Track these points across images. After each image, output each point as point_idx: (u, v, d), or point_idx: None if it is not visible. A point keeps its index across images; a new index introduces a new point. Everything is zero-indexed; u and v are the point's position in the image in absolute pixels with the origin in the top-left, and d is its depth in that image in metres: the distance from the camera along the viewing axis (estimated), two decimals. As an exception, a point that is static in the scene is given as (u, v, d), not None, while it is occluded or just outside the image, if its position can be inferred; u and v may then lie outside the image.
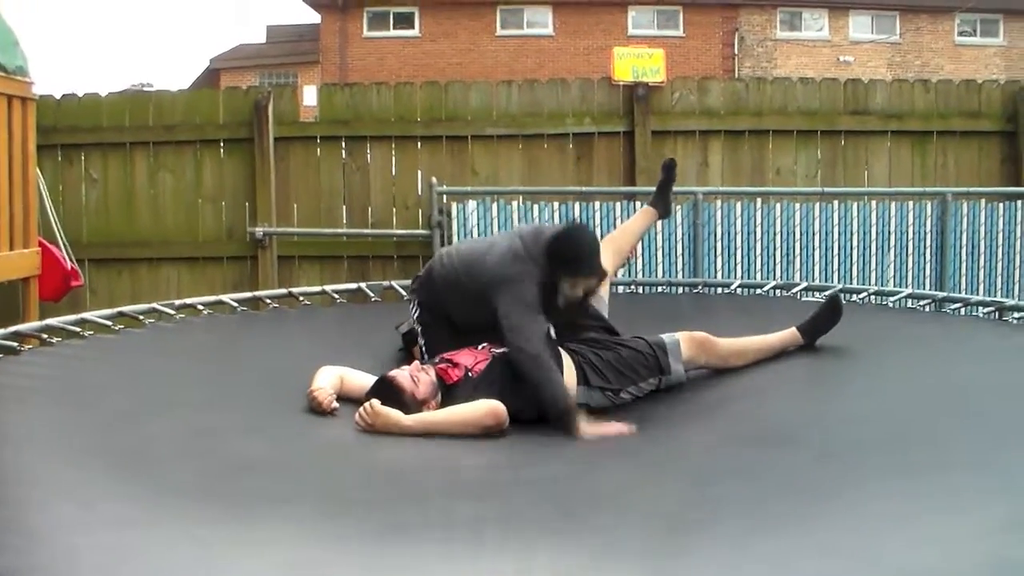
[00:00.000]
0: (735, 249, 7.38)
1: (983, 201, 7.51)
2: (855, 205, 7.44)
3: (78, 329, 4.58)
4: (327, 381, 3.86)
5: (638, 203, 7.31)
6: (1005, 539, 2.29)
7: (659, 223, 7.21)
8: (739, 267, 7.37)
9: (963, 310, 5.17)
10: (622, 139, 7.83)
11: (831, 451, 3.12)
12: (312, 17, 27.57)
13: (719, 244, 7.37)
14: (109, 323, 4.77)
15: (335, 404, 3.76)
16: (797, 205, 7.42)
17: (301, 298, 5.57)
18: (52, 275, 7.14)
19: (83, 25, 65.57)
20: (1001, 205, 7.49)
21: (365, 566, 2.34)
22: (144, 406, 3.56)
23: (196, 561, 2.30)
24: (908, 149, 7.94)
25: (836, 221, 7.39)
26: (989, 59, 25.16)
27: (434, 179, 7.44)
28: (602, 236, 7.07)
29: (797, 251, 7.37)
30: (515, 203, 7.41)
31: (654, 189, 7.41)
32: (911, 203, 7.44)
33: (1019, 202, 7.49)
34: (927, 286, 7.32)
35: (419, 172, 7.88)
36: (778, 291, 6.05)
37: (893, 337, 4.58)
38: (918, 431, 3.22)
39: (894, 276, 7.35)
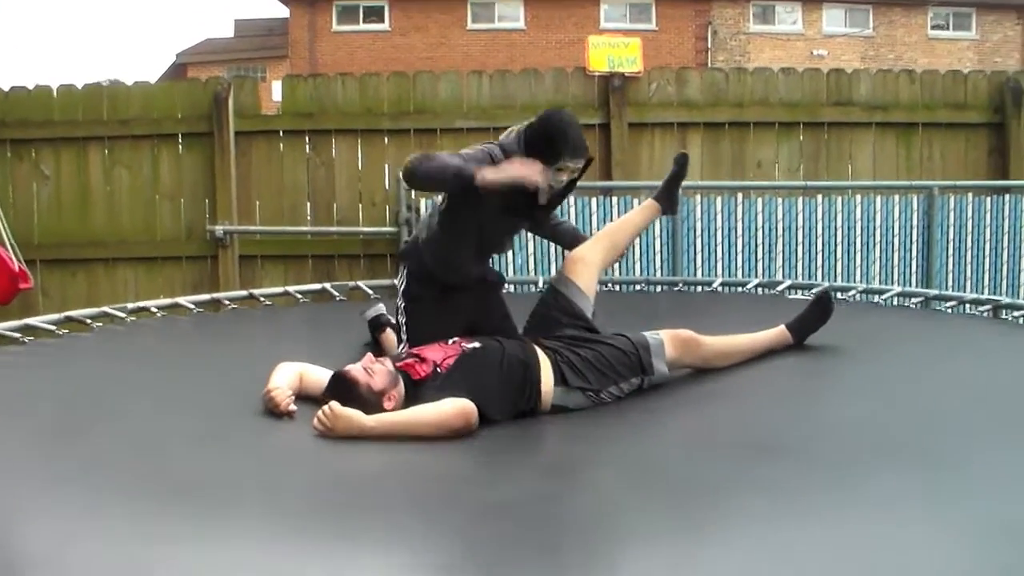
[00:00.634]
0: (715, 246, 7.12)
1: (970, 195, 7.29)
2: (839, 199, 7.19)
3: (18, 335, 4.33)
4: (285, 379, 3.56)
5: (614, 198, 7.06)
6: (1010, 548, 2.17)
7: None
8: (720, 264, 7.11)
9: (955, 308, 4.99)
10: (598, 132, 7.52)
11: (821, 458, 2.89)
12: (281, 11, 27.30)
13: (699, 241, 7.10)
14: (54, 328, 4.51)
15: (293, 406, 3.45)
16: (779, 200, 7.17)
17: (262, 299, 5.32)
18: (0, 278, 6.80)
19: (44, 18, 64.76)
20: (989, 199, 7.28)
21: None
22: (85, 416, 3.29)
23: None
24: (893, 141, 7.70)
25: (820, 216, 7.14)
26: (962, 52, 25.10)
27: (401, 174, 7.12)
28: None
29: (780, 248, 7.12)
30: (487, 199, 7.09)
31: (630, 184, 7.31)
32: (897, 197, 7.21)
33: (1007, 196, 7.29)
34: (914, 283, 7.09)
35: (386, 167, 7.57)
36: (761, 289, 5.81)
37: (885, 335, 4.38)
38: (913, 435, 3.01)
39: (880, 272, 7.12)
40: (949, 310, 5.04)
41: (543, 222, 4.27)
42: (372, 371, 3.44)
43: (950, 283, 7.14)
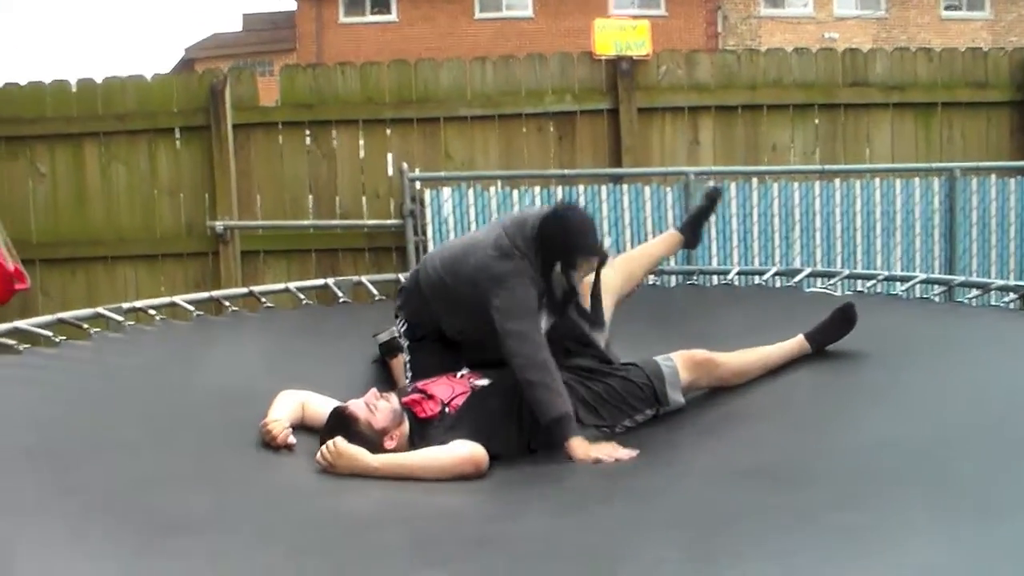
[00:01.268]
0: (731, 233, 6.89)
1: (993, 176, 7.03)
2: (857, 183, 6.94)
3: (12, 342, 4.15)
4: (285, 410, 3.42)
5: (625, 185, 6.84)
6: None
7: (647, 206, 6.79)
8: (735, 252, 6.88)
9: (980, 298, 4.75)
10: (606, 117, 7.31)
11: (841, 486, 2.68)
12: (288, 4, 27.16)
13: (713, 228, 6.85)
14: (49, 333, 4.33)
15: (291, 439, 3.30)
16: (796, 184, 6.93)
17: (263, 299, 5.13)
18: (-6, 278, 6.65)
19: (51, 15, 64.73)
20: (1013, 180, 7.02)
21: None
22: (68, 442, 3.08)
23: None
24: (912, 122, 7.44)
25: (838, 201, 6.90)
26: (976, 32, 24.71)
27: (405, 165, 6.93)
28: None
29: (797, 234, 6.89)
30: (493, 188, 6.90)
31: (641, 170, 7.09)
32: (917, 180, 6.96)
33: (1032, 176, 7.03)
34: (936, 268, 6.85)
35: (389, 158, 7.35)
36: (779, 278, 5.59)
37: (908, 337, 4.12)
38: (940, 458, 2.76)
39: (901, 258, 6.87)
40: (974, 300, 4.81)
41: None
42: (375, 408, 3.27)
43: (974, 268, 6.89)
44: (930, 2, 24.89)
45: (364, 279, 5.34)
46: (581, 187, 6.87)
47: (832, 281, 5.33)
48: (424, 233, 6.85)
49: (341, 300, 5.21)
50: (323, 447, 3.09)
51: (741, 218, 6.87)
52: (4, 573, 2.19)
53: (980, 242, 6.97)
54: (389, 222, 7.18)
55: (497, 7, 25.59)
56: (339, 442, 3.08)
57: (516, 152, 7.34)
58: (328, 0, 25.81)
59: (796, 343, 3.80)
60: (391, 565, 2.30)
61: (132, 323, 4.66)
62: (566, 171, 7.03)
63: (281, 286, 5.47)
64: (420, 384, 3.55)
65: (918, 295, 5.19)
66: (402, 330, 3.96)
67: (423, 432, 3.33)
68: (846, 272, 5.56)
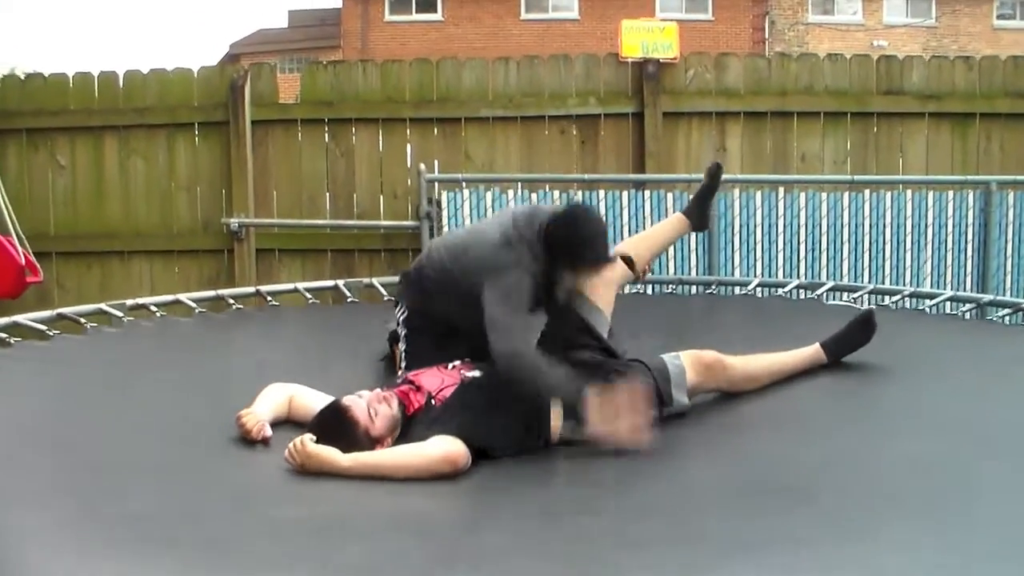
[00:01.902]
0: (755, 244, 6.68)
1: (1031, 190, 6.77)
2: (888, 195, 6.69)
3: (5, 336, 4.10)
4: (269, 403, 3.30)
5: (647, 192, 6.66)
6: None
7: (670, 213, 6.58)
8: (759, 264, 6.67)
9: (1012, 316, 4.54)
10: (631, 121, 7.13)
11: (854, 506, 2.51)
12: (335, 1, 27.18)
13: (737, 238, 6.67)
14: (44, 328, 4.26)
15: (267, 432, 3.16)
16: (824, 195, 6.70)
17: (269, 298, 5.04)
18: (6, 271, 6.60)
19: (99, 8, 65.49)
20: (1052, 195, 6.75)
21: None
22: (47, 432, 3.04)
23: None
24: (948, 133, 7.18)
25: (867, 213, 6.66)
26: (1030, 42, 24.25)
27: (422, 166, 6.80)
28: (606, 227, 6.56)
29: (824, 246, 6.66)
30: (512, 191, 6.76)
31: (665, 177, 6.90)
32: (951, 193, 6.70)
33: (1072, 192, 6.75)
34: (968, 285, 6.60)
35: (408, 158, 7.22)
36: (801, 291, 5.40)
37: (931, 352, 3.95)
38: (957, 479, 2.60)
39: (931, 274, 6.63)
40: (1006, 319, 4.61)
41: None
42: (376, 413, 3.11)
43: (1008, 286, 6.63)
44: (983, 10, 24.47)
45: (375, 281, 5.23)
46: (602, 192, 6.70)
47: (855, 295, 5.14)
48: (440, 235, 6.71)
49: (349, 300, 5.12)
50: (291, 445, 2.94)
51: (766, 229, 6.66)
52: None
53: (1016, 259, 6.70)
54: (406, 223, 7.05)
55: (543, 8, 25.53)
56: (306, 442, 2.92)
57: (537, 155, 7.19)
58: (374, -2, 25.86)
59: (811, 352, 3.66)
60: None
61: (131, 319, 4.60)
62: (586, 176, 6.87)
63: (290, 286, 5.38)
64: (410, 375, 3.41)
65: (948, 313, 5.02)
66: (401, 318, 3.83)
67: (408, 427, 3.18)
68: (870, 287, 5.38)
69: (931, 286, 6.48)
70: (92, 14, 61.16)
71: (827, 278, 6.43)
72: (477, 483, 2.96)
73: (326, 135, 7.30)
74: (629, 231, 6.63)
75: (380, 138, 7.26)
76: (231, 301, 5.02)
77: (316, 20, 28.92)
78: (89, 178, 7.42)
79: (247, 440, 3.14)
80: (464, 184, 6.75)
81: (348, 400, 3.16)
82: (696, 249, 6.66)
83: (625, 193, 6.70)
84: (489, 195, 6.66)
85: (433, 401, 3.23)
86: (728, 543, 2.33)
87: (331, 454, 2.91)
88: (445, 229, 6.66)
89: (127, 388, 3.62)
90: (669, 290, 5.74)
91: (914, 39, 23.52)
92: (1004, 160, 7.14)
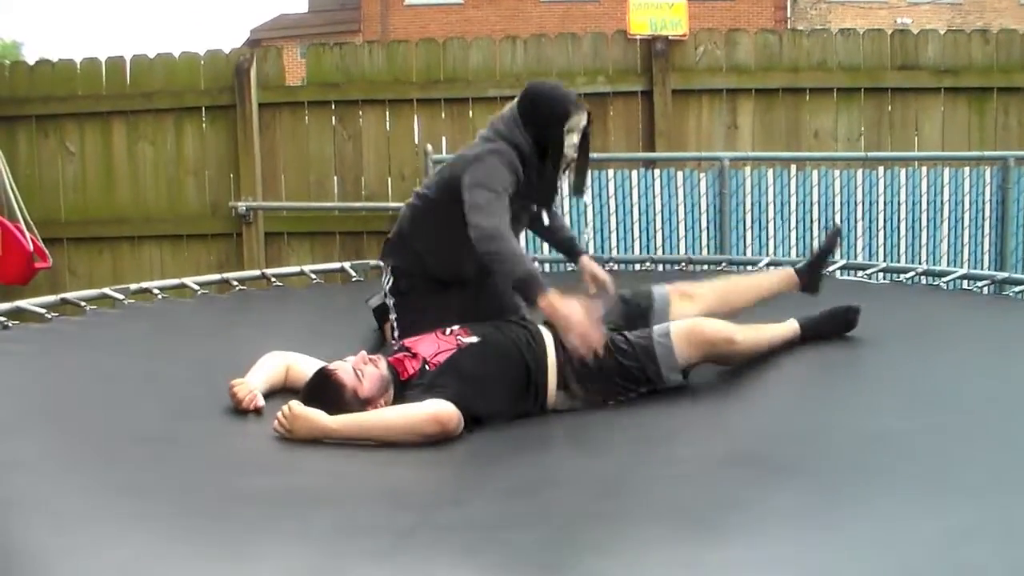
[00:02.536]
0: (766, 222, 6.57)
1: (1050, 166, 6.62)
2: (903, 172, 6.55)
3: (4, 319, 4.11)
4: (263, 373, 3.28)
5: (657, 170, 6.57)
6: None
7: (680, 192, 6.52)
8: (771, 242, 6.56)
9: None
10: (640, 99, 7.04)
11: (841, 479, 2.43)
12: (355, -15, 27.11)
13: (748, 216, 6.56)
14: (43, 311, 4.27)
15: (259, 402, 3.14)
16: (837, 172, 6.58)
17: (274, 280, 5.03)
18: (14, 257, 6.61)
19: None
20: (1072, 171, 6.60)
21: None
22: (37, 408, 3.04)
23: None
24: (964, 108, 7.02)
25: (881, 190, 6.54)
26: (1058, 18, 23.86)
27: (429, 147, 6.73)
28: (616, 207, 6.49)
29: (837, 224, 6.54)
30: (520, 172, 6.66)
31: (675, 155, 6.80)
32: (967, 169, 6.55)
33: (1092, 167, 6.60)
34: (986, 263, 6.46)
35: (416, 138, 7.16)
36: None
37: (940, 328, 3.87)
38: (951, 455, 2.51)
39: (947, 252, 6.49)
40: (1021, 295, 4.52)
41: (544, 215, 3.91)
42: (362, 374, 3.06)
43: (1027, 265, 6.50)
44: (1009, -14, 24.10)
45: (381, 262, 5.19)
46: (611, 171, 6.61)
47: (868, 272, 5.06)
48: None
49: (354, 280, 5.10)
50: (279, 412, 2.91)
51: (778, 207, 6.55)
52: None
53: (1034, 236, 6.57)
54: (415, 205, 6.98)
55: (563, -11, 25.35)
56: (294, 405, 2.89)
57: (546, 135, 7.09)
58: (394, -19, 25.77)
59: (788, 328, 3.56)
60: (288, 557, 2.09)
61: (133, 302, 4.60)
62: (595, 155, 6.75)
63: (295, 268, 5.37)
64: (406, 341, 3.37)
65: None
66: (388, 286, 3.82)
67: (403, 393, 3.12)
68: (883, 264, 5.30)
69: (947, 264, 6.35)
70: (113, 1, 61.41)
71: (840, 256, 6.32)
72: (465, 451, 2.92)
73: (333, 117, 7.25)
74: (639, 210, 6.55)
75: (387, 119, 7.21)
76: (236, 284, 5.01)
77: (336, 4, 28.85)
78: (98, 164, 7.43)
79: (239, 410, 3.12)
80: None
81: (334, 365, 3.13)
82: (707, 228, 6.57)
83: (635, 172, 6.61)
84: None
85: (428, 366, 3.18)
86: (712, 516, 2.27)
87: (318, 415, 2.88)
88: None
89: (122, 366, 3.60)
90: (679, 268, 5.68)
91: (938, 16, 23.18)
92: (1022, 135, 6.99)
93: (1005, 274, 5.22)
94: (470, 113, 7.09)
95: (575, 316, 3.24)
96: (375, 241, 7.10)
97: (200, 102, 7.32)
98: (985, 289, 4.81)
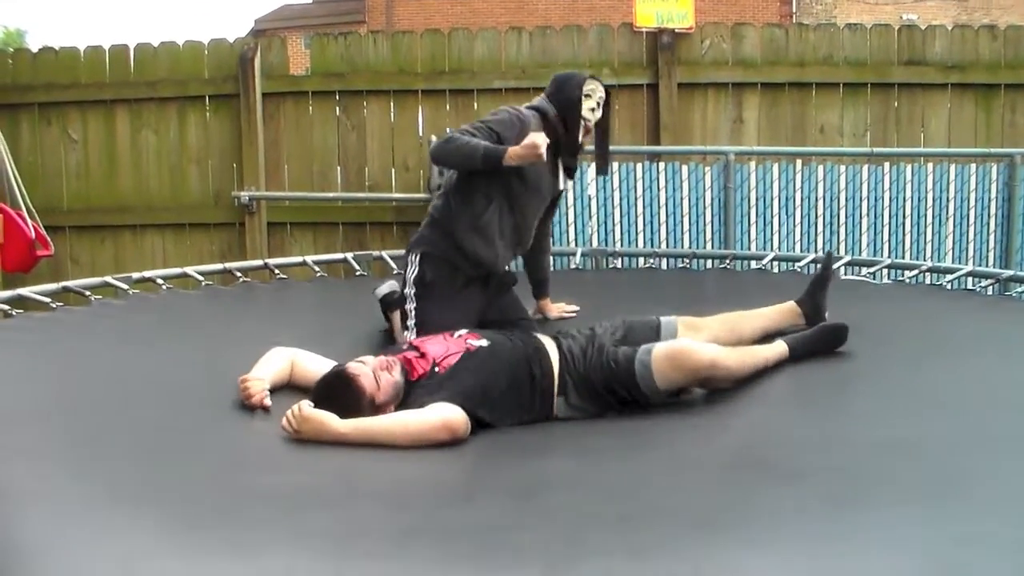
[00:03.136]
0: (771, 217, 6.55)
1: (1057, 164, 6.59)
2: (909, 168, 6.54)
3: (7, 307, 4.10)
4: (271, 368, 3.26)
5: (662, 164, 6.54)
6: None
7: (685, 186, 6.50)
8: (776, 237, 6.55)
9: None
10: (645, 92, 7.00)
11: (843, 485, 2.41)
12: (359, -24, 27.03)
13: (753, 211, 6.54)
14: (48, 300, 4.26)
15: (267, 400, 3.12)
16: (843, 168, 6.56)
17: (277, 271, 5.01)
18: (16, 245, 6.58)
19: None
20: (1079, 168, 6.57)
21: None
22: (38, 400, 3.01)
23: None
24: (971, 104, 6.99)
25: (887, 186, 6.52)
26: (1066, 15, 23.77)
27: (434, 137, 6.67)
28: (620, 200, 6.46)
29: (842, 220, 6.53)
30: (525, 164, 6.63)
31: (680, 149, 6.77)
32: (974, 166, 6.54)
33: (1099, 165, 6.57)
34: (991, 261, 6.44)
35: (420, 130, 7.13)
36: (817, 266, 5.28)
37: (949, 330, 3.84)
38: (954, 461, 2.49)
39: (953, 249, 6.47)
40: (1026, 295, 4.50)
41: (546, 221, 4.22)
42: (380, 380, 3.05)
43: (1032, 262, 6.48)
44: (1016, -18, 24.00)
45: (384, 254, 5.18)
46: (616, 164, 6.57)
47: (872, 270, 5.04)
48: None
49: (358, 274, 5.08)
50: (287, 412, 2.90)
51: (783, 202, 6.53)
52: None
53: (1040, 234, 6.54)
54: (418, 196, 6.97)
55: (569, -19, 25.27)
56: (304, 406, 2.89)
57: (550, 127, 7.06)
58: (399, -28, 25.70)
59: (778, 350, 3.49)
60: (287, 555, 2.08)
61: (137, 292, 4.59)
62: (600, 148, 6.74)
63: (298, 259, 5.35)
64: (415, 340, 3.38)
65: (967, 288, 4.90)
66: (413, 276, 3.88)
67: (410, 394, 3.12)
68: (887, 261, 5.27)
69: (952, 261, 6.33)
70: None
71: (845, 252, 6.31)
72: (468, 454, 2.91)
73: (337, 108, 7.22)
74: (643, 204, 6.53)
75: (392, 110, 7.17)
76: (239, 274, 5.00)
77: (341, -5, 28.80)
78: (101, 152, 7.40)
79: (245, 407, 3.11)
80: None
81: (354, 368, 3.09)
82: (712, 222, 6.55)
83: (640, 165, 6.59)
84: (501, 167, 6.56)
85: (437, 368, 3.17)
86: (717, 521, 2.25)
87: (328, 418, 2.87)
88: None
89: (126, 357, 3.58)
90: (683, 264, 5.65)
91: (944, 12, 23.09)
92: (1029, 132, 6.97)
93: (1011, 272, 5.19)
94: (475, 104, 7.05)
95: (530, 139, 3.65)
96: (378, 232, 7.11)
97: (204, 91, 7.28)
98: (990, 288, 4.79)
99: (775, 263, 5.56)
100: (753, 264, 5.51)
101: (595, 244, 6.42)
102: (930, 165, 6.57)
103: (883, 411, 2.97)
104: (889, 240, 6.50)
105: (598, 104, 3.93)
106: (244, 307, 4.62)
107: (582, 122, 3.89)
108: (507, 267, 4.12)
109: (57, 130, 7.42)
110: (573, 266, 5.54)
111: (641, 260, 5.84)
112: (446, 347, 3.27)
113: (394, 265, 4.95)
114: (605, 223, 6.55)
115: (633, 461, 2.80)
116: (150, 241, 7.38)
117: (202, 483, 2.52)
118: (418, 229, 4.07)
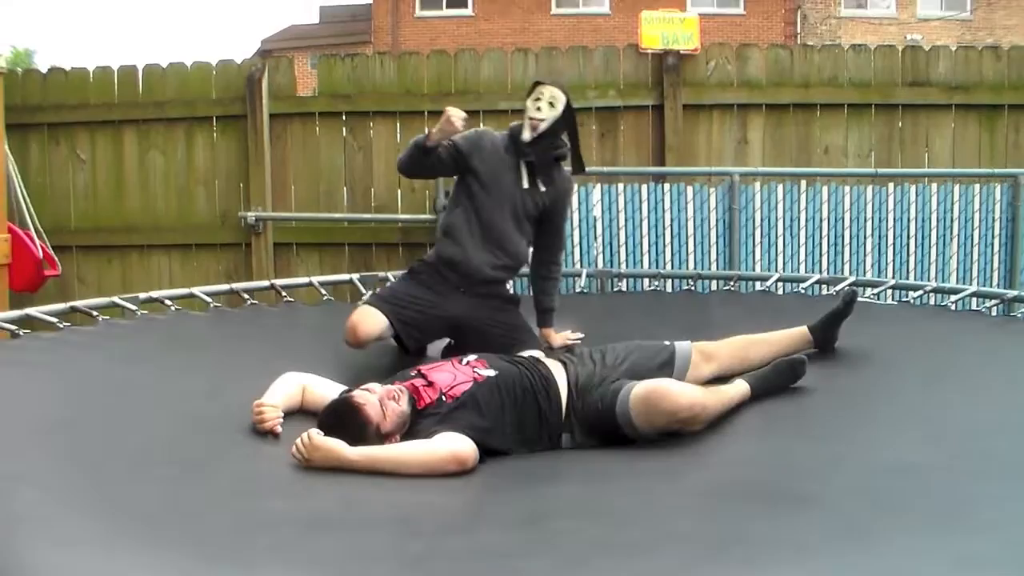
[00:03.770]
0: (776, 238, 6.57)
1: (1061, 184, 6.59)
2: (913, 188, 6.56)
3: (14, 328, 4.11)
4: (283, 394, 3.30)
5: (667, 185, 6.57)
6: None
7: (690, 207, 6.51)
8: (780, 258, 6.56)
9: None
10: (651, 113, 7.03)
11: (852, 511, 2.42)
12: (365, -4, 27.19)
13: (758, 232, 6.56)
14: (55, 319, 4.27)
15: (279, 426, 3.14)
16: (847, 188, 6.58)
17: (284, 293, 5.01)
18: (24, 264, 6.61)
19: (136, 4, 65.95)
20: (1082, 189, 6.57)
21: None
22: (45, 423, 3.01)
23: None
24: (975, 125, 7.01)
25: (891, 207, 6.53)
26: (1069, 35, 23.81)
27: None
28: (625, 221, 6.48)
29: (846, 240, 6.54)
30: (530, 185, 6.65)
31: (685, 170, 6.80)
32: (977, 186, 6.55)
33: (1103, 186, 6.57)
34: (995, 281, 6.45)
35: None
36: (822, 286, 5.30)
37: (954, 352, 3.84)
38: (968, 488, 2.49)
39: (957, 269, 6.48)
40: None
41: (549, 240, 4.35)
42: (386, 410, 3.07)
43: (1036, 283, 6.48)
44: (1019, 3, 24.04)
45: (390, 275, 5.18)
46: (621, 185, 6.61)
47: (876, 291, 5.05)
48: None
49: (364, 295, 5.08)
50: (298, 440, 2.92)
51: (788, 222, 6.55)
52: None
53: (1044, 254, 6.54)
54: (424, 217, 7.00)
55: (574, 3, 25.39)
56: (314, 435, 2.91)
57: (556, 148, 7.09)
58: (405, -7, 25.81)
59: (742, 391, 3.47)
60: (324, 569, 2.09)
61: (145, 312, 4.59)
62: (605, 168, 6.77)
63: (304, 280, 5.36)
64: (423, 368, 3.39)
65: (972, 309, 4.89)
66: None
67: (417, 421, 3.14)
68: (892, 282, 5.28)
69: (956, 282, 6.34)
70: (125, 9, 61.67)
71: (850, 273, 6.32)
72: (476, 481, 2.92)
73: (344, 128, 7.25)
74: (649, 225, 6.55)
75: (398, 131, 7.20)
76: (246, 296, 5.00)
77: (347, 16, 28.92)
78: (109, 172, 7.43)
79: (254, 431, 3.13)
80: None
81: (360, 396, 3.12)
82: (717, 243, 6.56)
83: (645, 186, 6.61)
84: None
85: (444, 398, 3.19)
86: (721, 547, 2.27)
87: (339, 447, 2.89)
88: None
89: (133, 380, 3.60)
90: (688, 285, 5.66)
91: (948, 33, 23.16)
92: (1033, 153, 6.98)
93: (1015, 292, 5.19)
94: (480, 126, 7.05)
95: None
96: (384, 253, 7.13)
97: (211, 112, 7.31)
98: (995, 308, 4.79)
99: (780, 284, 5.57)
100: (758, 285, 5.52)
101: (600, 265, 6.43)
102: (934, 185, 6.59)
103: (890, 435, 2.98)
104: (894, 260, 6.51)
105: (549, 104, 4.10)
106: (251, 330, 4.62)
107: (528, 120, 4.10)
108: (492, 272, 4.16)
109: (66, 150, 7.45)
110: (578, 288, 5.56)
111: (646, 281, 5.85)
112: (454, 376, 3.28)
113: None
114: (610, 244, 6.57)
115: (640, 488, 2.82)
116: (157, 261, 7.40)
117: (211, 508, 2.54)
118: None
